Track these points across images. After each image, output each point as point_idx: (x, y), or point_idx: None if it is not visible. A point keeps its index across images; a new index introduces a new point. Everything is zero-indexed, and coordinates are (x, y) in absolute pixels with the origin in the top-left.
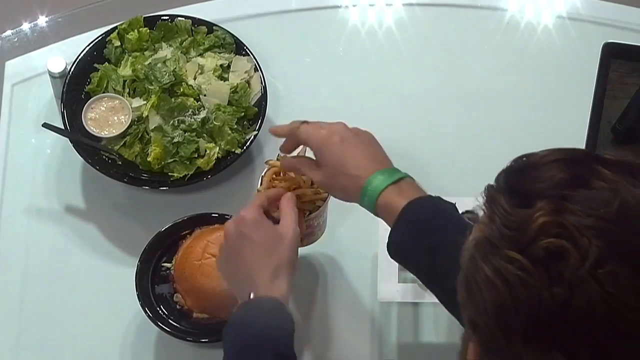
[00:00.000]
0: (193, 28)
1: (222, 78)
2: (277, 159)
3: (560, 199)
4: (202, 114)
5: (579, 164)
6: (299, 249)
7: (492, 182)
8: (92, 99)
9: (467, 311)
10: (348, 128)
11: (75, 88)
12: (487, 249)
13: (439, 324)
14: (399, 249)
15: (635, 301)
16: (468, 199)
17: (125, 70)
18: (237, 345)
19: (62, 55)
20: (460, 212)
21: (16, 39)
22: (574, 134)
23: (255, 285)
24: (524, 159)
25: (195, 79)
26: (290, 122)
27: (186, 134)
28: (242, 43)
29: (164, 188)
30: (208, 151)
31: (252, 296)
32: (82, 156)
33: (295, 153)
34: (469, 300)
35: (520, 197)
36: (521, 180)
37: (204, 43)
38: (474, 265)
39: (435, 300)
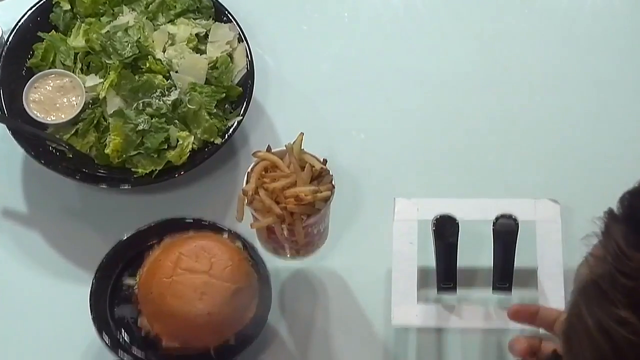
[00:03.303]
0: None
1: (198, 50)
2: (267, 150)
3: None
4: (174, 95)
5: None
6: (295, 262)
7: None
8: (35, 76)
9: None
10: None
11: (14, 62)
12: (594, 296)
13: (467, 355)
14: None
15: None
16: (503, 201)
17: (77, 41)
18: None
19: None
20: (495, 216)
21: None
22: None
23: None
24: None
25: (164, 51)
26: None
27: (153, 120)
28: (223, 7)
29: (126, 187)
30: (181, 141)
31: None
32: (23, 147)
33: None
34: (570, 352)
35: None
36: None
37: (175, 7)
38: (577, 314)
39: (464, 324)
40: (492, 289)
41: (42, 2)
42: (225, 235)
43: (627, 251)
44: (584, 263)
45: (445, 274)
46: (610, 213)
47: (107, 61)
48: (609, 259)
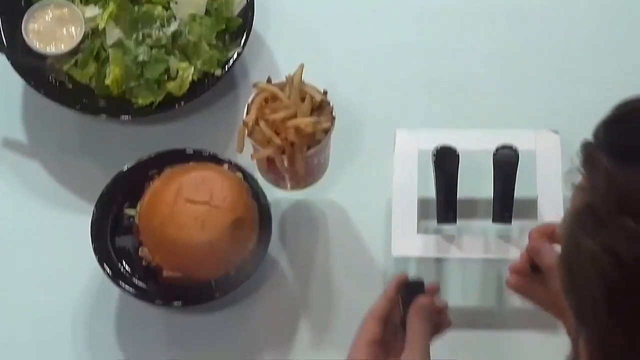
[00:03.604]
0: None
1: None
2: (267, 82)
3: None
4: (173, 27)
5: None
6: (295, 193)
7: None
8: (34, 7)
9: (571, 300)
10: None
11: None
12: (591, 220)
13: (467, 285)
14: None
15: None
16: (504, 132)
17: None
18: None
19: None
20: (495, 147)
21: None
22: None
23: None
24: (629, 106)
25: None
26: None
27: (153, 51)
28: None
29: (126, 118)
30: (181, 72)
31: None
32: (23, 78)
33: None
34: (572, 286)
35: (627, 154)
36: (627, 133)
37: None
38: (574, 242)
39: (464, 255)
40: (492, 220)
41: None
42: (226, 167)
43: (615, 171)
44: (572, 198)
45: (446, 205)
46: (587, 145)
47: None
48: (599, 184)
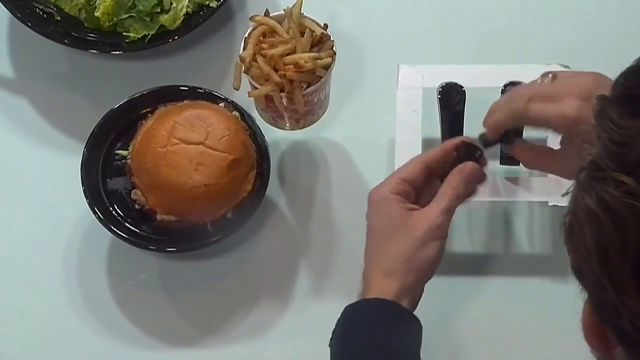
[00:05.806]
0: None
1: None
2: (265, 14)
3: None
4: None
5: None
6: (294, 132)
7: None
8: None
9: (570, 256)
10: (602, 76)
11: None
12: (592, 173)
13: (474, 231)
14: None
15: None
16: (512, 67)
17: None
18: (339, 352)
19: None
20: (503, 83)
21: None
22: None
23: (369, 278)
24: None
25: None
26: (507, 100)
27: None
28: None
29: (117, 52)
30: (174, 4)
31: (360, 292)
32: (8, 9)
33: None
34: (571, 242)
35: (635, 104)
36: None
37: None
38: (576, 197)
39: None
40: (500, 162)
41: None
42: (222, 104)
43: (620, 121)
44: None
45: None
46: (601, 98)
47: None
48: (603, 135)
